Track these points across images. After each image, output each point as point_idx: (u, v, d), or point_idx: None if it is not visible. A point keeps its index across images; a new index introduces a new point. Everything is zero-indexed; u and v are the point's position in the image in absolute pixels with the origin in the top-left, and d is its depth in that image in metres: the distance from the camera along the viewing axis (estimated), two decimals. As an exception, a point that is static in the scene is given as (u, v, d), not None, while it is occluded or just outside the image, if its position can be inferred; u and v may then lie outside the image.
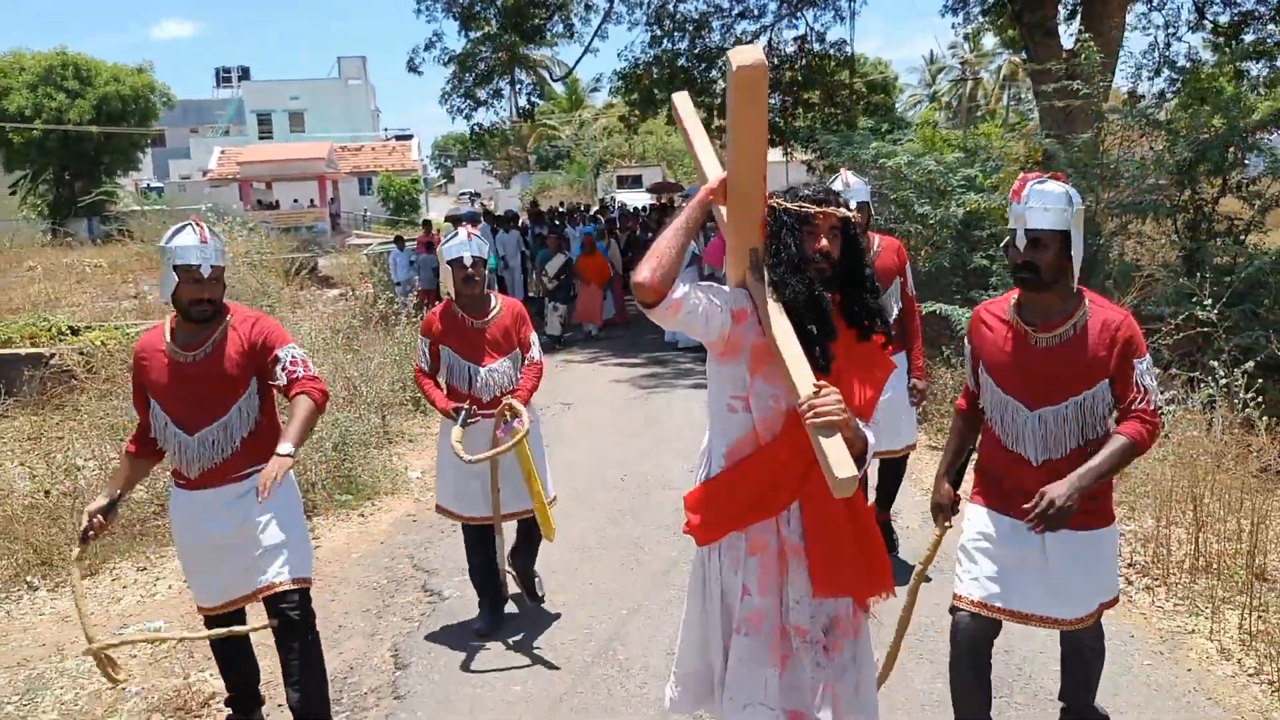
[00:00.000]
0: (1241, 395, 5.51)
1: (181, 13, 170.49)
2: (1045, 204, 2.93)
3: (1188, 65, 19.82)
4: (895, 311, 4.97)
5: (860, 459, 2.43)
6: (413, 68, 17.45)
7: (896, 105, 55.19)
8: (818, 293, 2.51)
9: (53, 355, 9.23)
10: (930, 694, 3.88)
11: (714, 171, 2.62)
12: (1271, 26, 18.52)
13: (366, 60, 59.19)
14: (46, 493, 6.36)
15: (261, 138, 53.94)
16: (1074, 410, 2.95)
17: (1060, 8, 15.98)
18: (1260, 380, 5.66)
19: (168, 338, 3.47)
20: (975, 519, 3.15)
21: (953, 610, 3.13)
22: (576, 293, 14.35)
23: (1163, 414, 3.92)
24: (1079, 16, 16.10)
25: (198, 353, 3.42)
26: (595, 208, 30.33)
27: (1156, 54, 19.87)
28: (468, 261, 4.46)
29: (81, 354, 9.18)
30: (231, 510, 3.43)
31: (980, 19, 19.53)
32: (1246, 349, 6.91)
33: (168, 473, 3.96)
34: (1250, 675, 3.98)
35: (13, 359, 9.29)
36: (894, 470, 5.36)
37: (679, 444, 7.81)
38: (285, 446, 3.32)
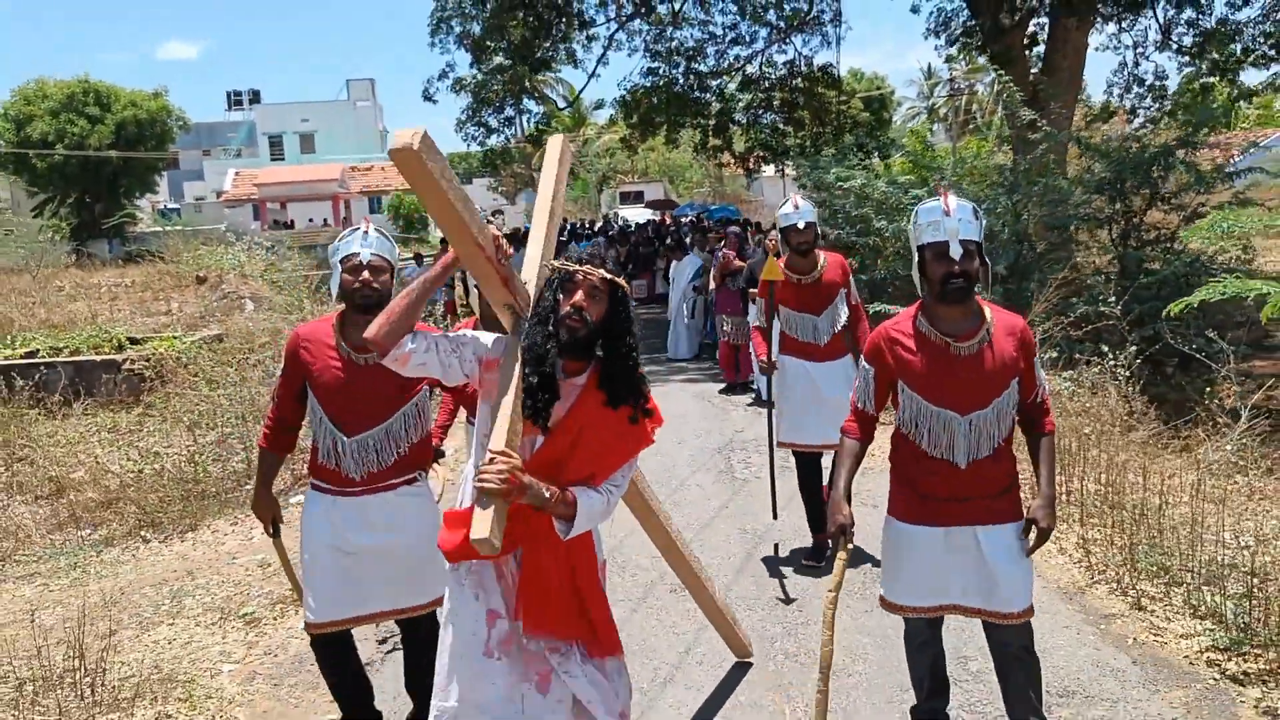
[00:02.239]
0: (1122, 376, 6.80)
1: (187, 34, 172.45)
2: (968, 216, 3.09)
3: (1155, 83, 21.19)
4: (843, 319, 5.51)
5: (568, 522, 2.57)
6: (428, 96, 18.83)
7: (894, 118, 56.47)
8: (549, 348, 2.58)
9: (125, 361, 10.52)
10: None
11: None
12: (1234, 46, 19.69)
13: (375, 82, 60.75)
14: (140, 472, 7.65)
15: (273, 159, 55.44)
16: (995, 411, 3.10)
17: (1024, 38, 17.21)
18: (1148, 365, 6.93)
19: (338, 335, 3.42)
20: (901, 534, 3.24)
21: (885, 605, 3.31)
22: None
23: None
24: (1045, 43, 17.38)
25: (370, 355, 3.29)
26: (599, 224, 31.45)
27: (1126, 72, 21.24)
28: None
29: (148, 360, 10.52)
30: (383, 520, 3.37)
31: (960, 41, 20.80)
32: (1151, 339, 8.20)
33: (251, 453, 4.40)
34: (1074, 562, 5.27)
35: (90, 365, 10.59)
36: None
37: (679, 430, 9.02)
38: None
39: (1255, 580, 4.21)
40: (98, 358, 10.89)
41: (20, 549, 6.67)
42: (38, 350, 11.62)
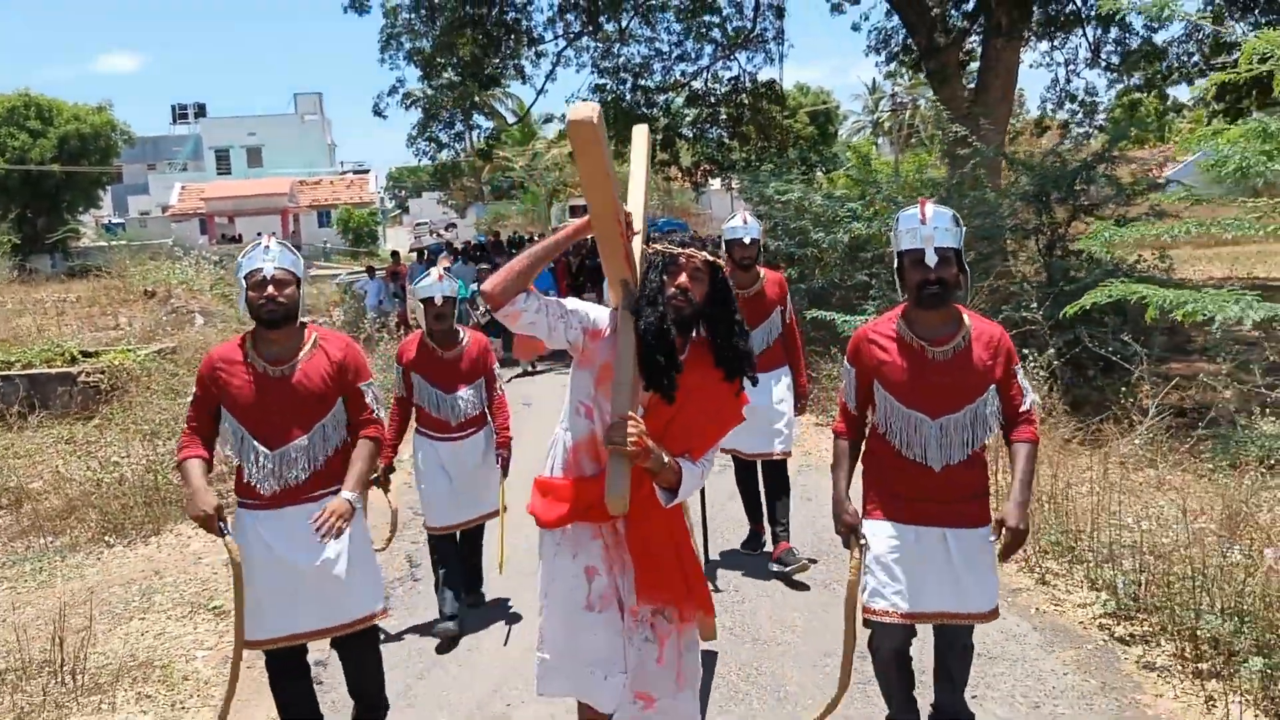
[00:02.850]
0: (1041, 378, 7.27)
1: (128, 46, 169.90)
2: (945, 224, 3.15)
3: (1085, 98, 22.04)
4: (777, 334, 5.64)
5: (672, 491, 2.76)
6: (378, 112, 19.03)
7: (840, 132, 57.46)
8: (667, 326, 2.74)
9: (80, 373, 10.65)
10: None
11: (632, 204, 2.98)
12: (1157, 64, 20.56)
13: (322, 96, 60.55)
14: (100, 481, 7.84)
15: (219, 173, 55.01)
16: (968, 417, 3.15)
17: (958, 55, 17.91)
18: (1070, 368, 7.37)
19: (251, 351, 3.41)
20: (879, 533, 3.24)
21: (867, 624, 3.27)
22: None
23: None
24: (978, 60, 18.10)
25: (285, 367, 3.39)
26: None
27: (1059, 88, 22.08)
28: (439, 301, 4.86)
29: (102, 373, 10.66)
30: (309, 537, 3.33)
31: (898, 59, 21.49)
32: (1071, 343, 8.71)
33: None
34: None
35: (45, 378, 10.70)
36: (778, 485, 5.71)
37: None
38: (349, 494, 3.39)
39: (1146, 557, 4.67)
40: (52, 370, 11.00)
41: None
42: (-10, 364, 11.70)
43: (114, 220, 49.24)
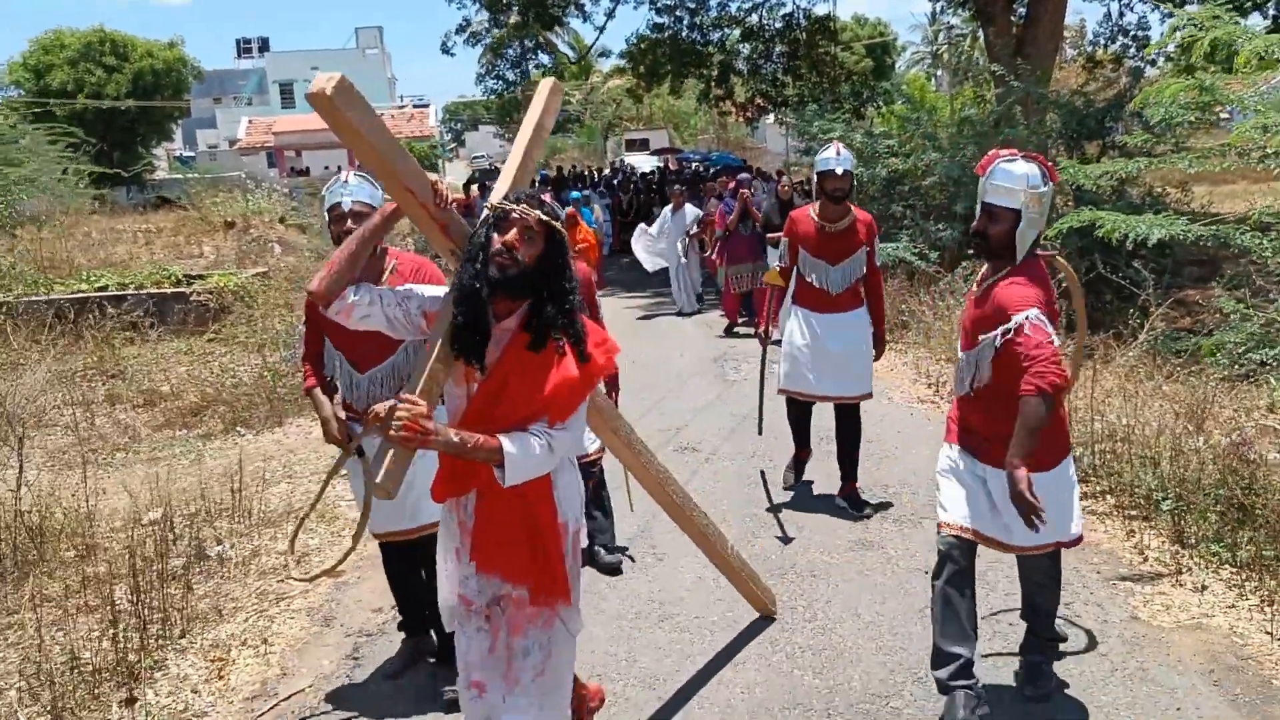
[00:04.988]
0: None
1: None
2: (1004, 182, 3.20)
3: (1139, 33, 22.17)
4: (859, 275, 5.53)
5: (500, 468, 2.54)
6: (446, 50, 20.01)
7: (899, 64, 56.95)
8: (480, 285, 2.55)
9: (193, 294, 11.92)
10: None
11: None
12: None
13: (383, 30, 61.40)
14: (222, 385, 9.08)
15: (284, 108, 56.32)
16: (978, 354, 3.30)
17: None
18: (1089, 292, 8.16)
19: None
20: (946, 453, 3.50)
21: (938, 530, 3.43)
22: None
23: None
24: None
25: None
26: (606, 171, 32.46)
27: (1111, 23, 22.25)
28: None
29: (211, 293, 11.92)
30: None
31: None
32: (1089, 268, 9.52)
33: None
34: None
35: (162, 297, 11.98)
36: (849, 427, 5.64)
37: (679, 344, 10.43)
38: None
39: (1118, 442, 5.62)
40: (167, 291, 12.28)
41: (134, 445, 8.12)
42: (107, 285, 13.01)
43: (185, 154, 50.89)
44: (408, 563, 3.88)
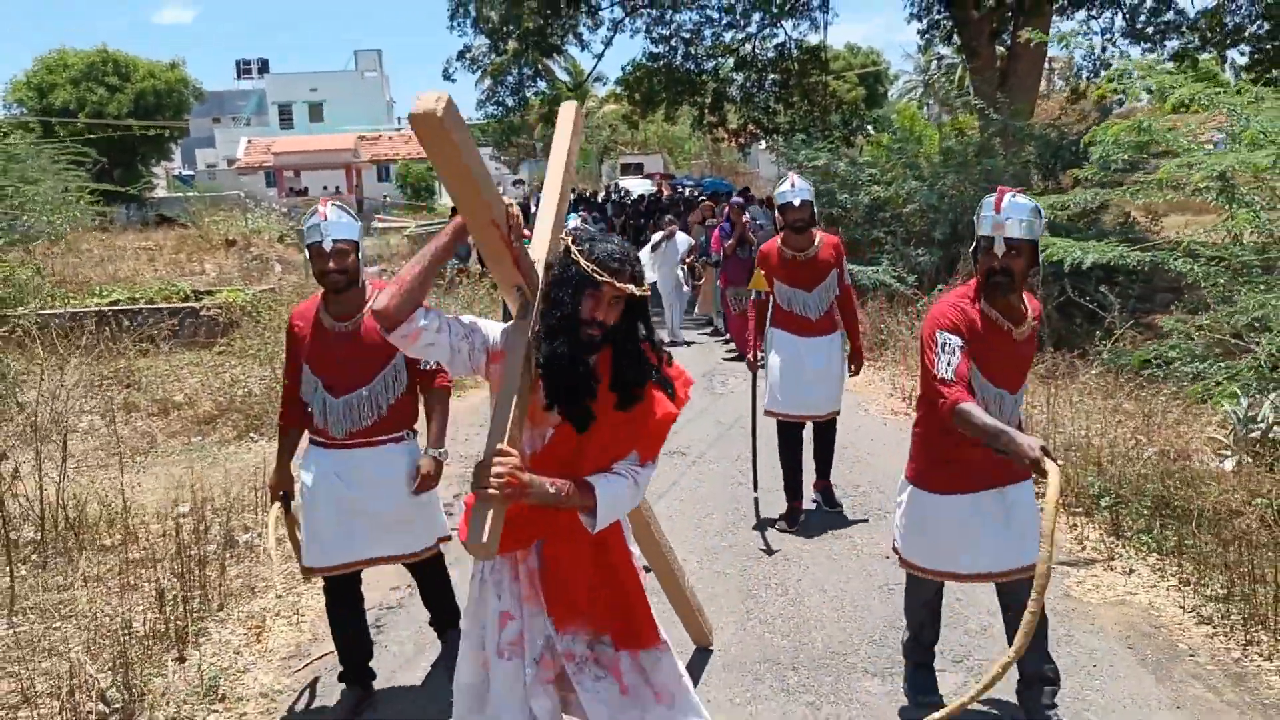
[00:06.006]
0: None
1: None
2: (1021, 216, 3.15)
3: (1120, 69, 22.81)
4: (833, 297, 5.75)
5: (592, 514, 2.43)
6: (447, 76, 20.63)
7: (891, 93, 57.76)
8: (579, 354, 2.45)
9: (203, 308, 12.41)
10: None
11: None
12: (1190, 34, 21.38)
13: (382, 53, 62.19)
14: (233, 395, 9.57)
15: (283, 129, 56.97)
16: (1023, 393, 3.34)
17: (990, 27, 18.96)
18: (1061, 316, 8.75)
19: (322, 308, 3.70)
20: (928, 504, 3.39)
21: (903, 562, 3.55)
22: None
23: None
24: (1009, 32, 19.15)
25: (349, 323, 3.64)
26: (602, 195, 33.02)
27: (1093, 57, 22.96)
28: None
29: (220, 308, 12.42)
30: (372, 472, 3.66)
31: (932, 30, 22.46)
32: (1060, 293, 10.09)
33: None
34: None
35: (173, 311, 12.48)
36: (825, 437, 5.98)
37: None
38: (435, 451, 3.74)
39: (1070, 453, 6.15)
40: (179, 305, 12.78)
41: (153, 449, 8.59)
42: (119, 300, 13.51)
43: (185, 172, 51.45)
44: (350, 600, 3.88)
